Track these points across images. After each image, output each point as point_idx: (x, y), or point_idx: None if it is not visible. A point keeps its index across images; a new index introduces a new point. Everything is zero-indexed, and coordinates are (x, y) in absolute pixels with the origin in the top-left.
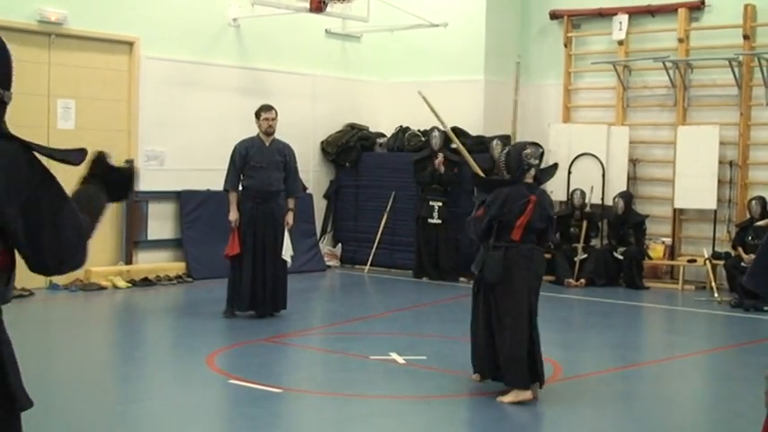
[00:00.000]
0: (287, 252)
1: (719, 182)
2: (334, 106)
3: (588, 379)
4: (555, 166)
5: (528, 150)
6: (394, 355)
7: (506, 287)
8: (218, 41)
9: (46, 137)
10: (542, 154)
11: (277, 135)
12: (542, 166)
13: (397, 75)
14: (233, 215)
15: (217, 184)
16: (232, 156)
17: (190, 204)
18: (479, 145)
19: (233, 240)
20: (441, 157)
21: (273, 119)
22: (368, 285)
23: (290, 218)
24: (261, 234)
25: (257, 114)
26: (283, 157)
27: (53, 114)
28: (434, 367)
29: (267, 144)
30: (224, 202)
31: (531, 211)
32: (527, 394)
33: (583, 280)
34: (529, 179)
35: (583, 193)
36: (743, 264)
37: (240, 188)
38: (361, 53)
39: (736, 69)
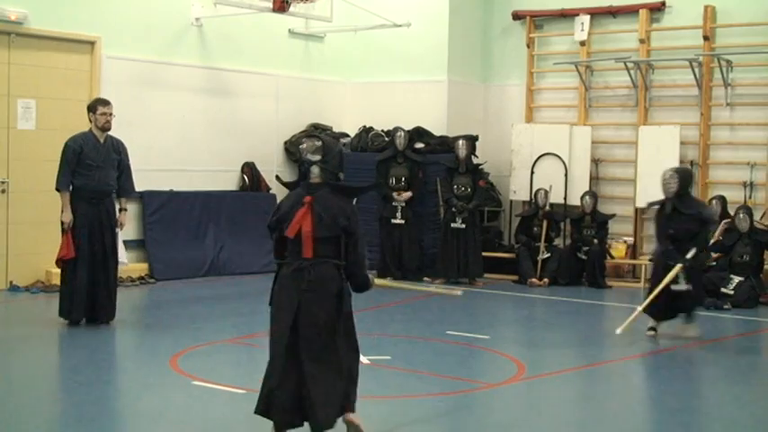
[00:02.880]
0: (123, 254)
1: None
2: (298, 106)
3: (551, 378)
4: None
5: (304, 145)
6: None
7: (272, 311)
8: (180, 41)
9: (6, 137)
10: (323, 147)
11: (241, 134)
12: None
13: (361, 75)
14: (67, 216)
15: (180, 184)
16: (65, 153)
17: (152, 205)
18: (443, 145)
19: (66, 244)
20: (404, 195)
21: (111, 114)
22: None
23: (124, 218)
24: (99, 236)
25: (93, 108)
26: (118, 155)
27: (13, 114)
28: (399, 367)
29: (102, 141)
30: (188, 202)
31: (304, 216)
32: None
33: (546, 279)
34: (315, 179)
35: (546, 193)
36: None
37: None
38: (324, 53)
39: (697, 70)
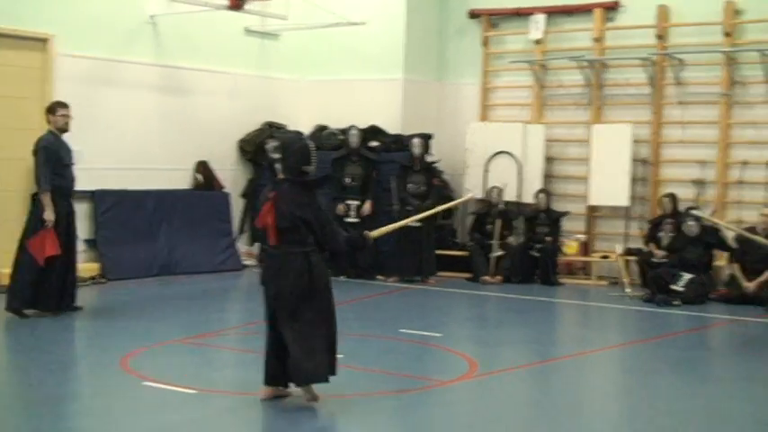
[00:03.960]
0: None
1: (632, 179)
2: (253, 104)
3: (503, 375)
4: (325, 177)
5: (268, 145)
6: None
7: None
8: (135, 38)
9: None
10: (280, 146)
11: (195, 132)
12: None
13: (316, 73)
14: (51, 215)
15: (133, 183)
16: (46, 154)
17: (104, 204)
18: (397, 143)
19: (51, 241)
20: (365, 209)
21: (70, 115)
22: None
23: None
24: (72, 232)
25: (52, 110)
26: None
27: None
28: (351, 365)
29: (63, 141)
30: (141, 200)
31: (269, 211)
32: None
33: (499, 276)
34: (280, 175)
35: (500, 191)
36: (654, 260)
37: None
38: (280, 51)
39: (650, 69)
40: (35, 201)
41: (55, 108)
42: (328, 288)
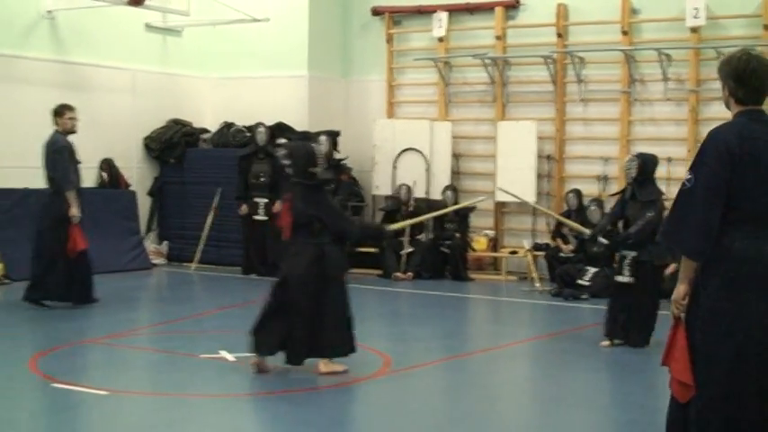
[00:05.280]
0: None
1: (538, 175)
2: (157, 101)
3: (417, 370)
4: (330, 179)
5: (278, 153)
6: (224, 353)
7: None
8: (31, 34)
9: None
10: (288, 153)
11: (98, 130)
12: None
13: (220, 70)
14: (78, 211)
15: (35, 182)
16: (64, 154)
17: (5, 203)
18: (304, 141)
19: (81, 236)
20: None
21: (77, 118)
22: (196, 283)
23: None
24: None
25: (60, 113)
26: None
27: None
28: None
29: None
30: (43, 199)
31: (286, 210)
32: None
33: (410, 273)
34: (292, 178)
35: (409, 188)
36: (561, 254)
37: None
38: (182, 48)
39: (551, 66)
40: (52, 198)
41: (63, 111)
42: (341, 278)
